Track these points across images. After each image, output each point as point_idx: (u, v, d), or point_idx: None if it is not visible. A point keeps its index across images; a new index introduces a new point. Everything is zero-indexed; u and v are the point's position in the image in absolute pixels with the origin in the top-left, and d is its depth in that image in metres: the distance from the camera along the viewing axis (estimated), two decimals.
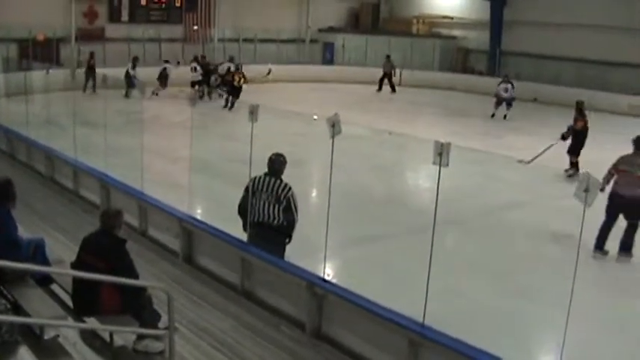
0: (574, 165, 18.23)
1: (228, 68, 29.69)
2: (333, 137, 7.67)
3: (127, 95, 28.16)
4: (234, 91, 27.76)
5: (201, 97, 29.27)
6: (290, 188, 8.89)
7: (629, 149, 12.59)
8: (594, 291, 10.35)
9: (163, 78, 30.47)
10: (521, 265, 11.79)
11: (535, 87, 35.47)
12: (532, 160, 18.19)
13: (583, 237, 6.27)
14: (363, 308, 7.21)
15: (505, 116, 29.28)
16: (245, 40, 37.54)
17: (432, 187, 6.75)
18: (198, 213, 12.41)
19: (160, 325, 6.99)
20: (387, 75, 36.44)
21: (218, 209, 10.65)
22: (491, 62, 40.18)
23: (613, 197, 11.71)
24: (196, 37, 37.24)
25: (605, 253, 12.04)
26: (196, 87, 29.75)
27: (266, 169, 9.03)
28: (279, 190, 8.85)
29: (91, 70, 29.66)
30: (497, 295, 10.41)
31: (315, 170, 17.49)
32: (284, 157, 9.13)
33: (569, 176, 17.74)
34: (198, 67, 30.28)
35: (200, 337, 7.74)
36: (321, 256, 8.28)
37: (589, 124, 18.62)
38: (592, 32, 34.74)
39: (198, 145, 16.80)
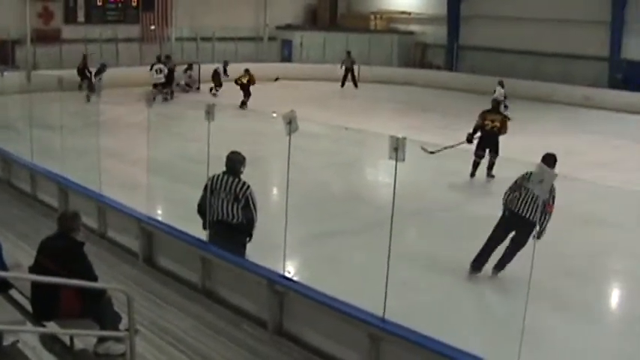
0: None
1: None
2: (289, 134, 7.69)
3: (88, 99, 27.84)
4: (246, 91, 28.79)
5: (165, 100, 29.20)
6: (248, 186, 8.89)
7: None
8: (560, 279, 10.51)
9: (217, 77, 31.79)
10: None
11: (493, 81, 35.68)
12: (437, 151, 18.01)
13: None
14: (323, 304, 7.24)
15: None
16: (203, 38, 37.25)
17: (390, 182, 6.78)
18: (158, 213, 12.39)
19: (121, 327, 6.97)
20: (349, 70, 36.54)
21: (177, 209, 10.65)
22: (448, 57, 40.48)
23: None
24: (154, 37, 36.97)
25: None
26: (159, 88, 29.41)
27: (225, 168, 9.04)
28: (238, 189, 8.85)
29: (82, 72, 29.63)
30: (457, 288, 10.49)
31: (274, 168, 17.48)
32: (242, 156, 9.13)
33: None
34: (164, 69, 30.04)
35: (161, 337, 7.71)
36: (282, 253, 8.30)
37: (491, 124, 17.24)
38: (548, 25, 35.14)
39: (157, 146, 16.70)
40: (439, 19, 40.73)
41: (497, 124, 17.18)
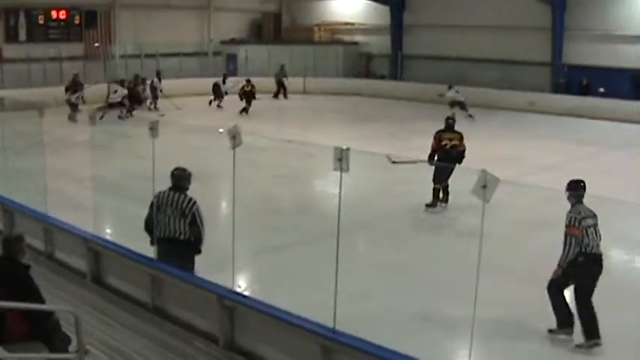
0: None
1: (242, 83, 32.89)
2: (234, 149, 7.69)
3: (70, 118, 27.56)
4: (248, 98, 31.22)
5: (120, 117, 28.85)
6: (195, 202, 8.87)
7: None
8: (500, 278, 10.64)
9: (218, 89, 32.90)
10: (432, 264, 12.01)
11: (437, 88, 36.04)
12: (399, 162, 17.20)
13: (488, 229, 6.40)
14: (273, 317, 7.23)
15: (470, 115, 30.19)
16: (147, 55, 37.12)
17: (338, 193, 6.82)
18: (105, 232, 12.27)
19: (71, 348, 6.88)
20: (281, 83, 37.06)
21: (125, 227, 10.57)
22: (393, 66, 40.75)
23: None
24: (98, 54, 36.68)
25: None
26: (115, 107, 29.07)
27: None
28: (184, 204, 8.82)
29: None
30: (406, 295, 10.54)
31: (221, 183, 17.40)
32: (187, 172, 9.10)
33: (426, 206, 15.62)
34: (120, 90, 29.61)
35: (113, 358, 7.64)
36: (231, 268, 8.29)
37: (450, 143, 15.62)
38: (491, 33, 35.74)
39: (103, 164, 16.64)
40: (383, 29, 41.08)
41: (457, 142, 15.60)
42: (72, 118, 27.47)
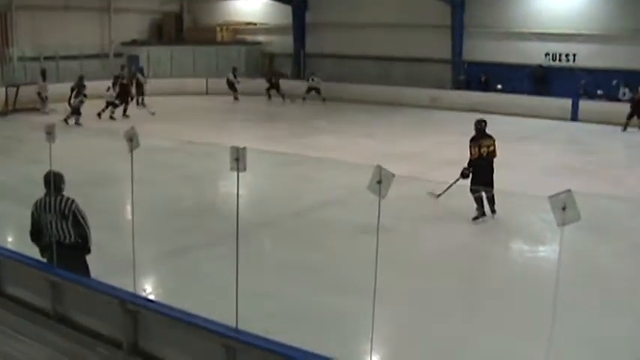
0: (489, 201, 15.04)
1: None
2: (131, 151, 7.61)
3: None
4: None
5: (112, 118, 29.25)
6: (72, 201, 8.73)
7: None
8: (405, 277, 10.81)
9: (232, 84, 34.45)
10: (335, 261, 12.13)
11: (341, 87, 36.37)
12: (442, 193, 15.59)
13: (388, 225, 6.48)
14: (176, 319, 7.18)
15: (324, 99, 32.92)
16: (46, 58, 36.35)
17: (243, 193, 6.83)
18: (3, 240, 12.00)
19: None
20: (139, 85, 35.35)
21: (22, 234, 10.32)
22: (295, 65, 40.89)
23: None
24: None
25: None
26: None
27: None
28: (62, 206, 8.68)
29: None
30: (310, 293, 10.61)
31: (122, 187, 17.17)
32: (59, 173, 8.92)
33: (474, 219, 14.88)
34: (113, 88, 30.07)
35: None
36: (133, 271, 8.20)
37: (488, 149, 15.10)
38: (393, 31, 36.24)
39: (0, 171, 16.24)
40: (285, 29, 41.18)
41: (493, 147, 15.13)
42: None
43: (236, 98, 35.95)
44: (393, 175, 5.67)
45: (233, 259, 6.62)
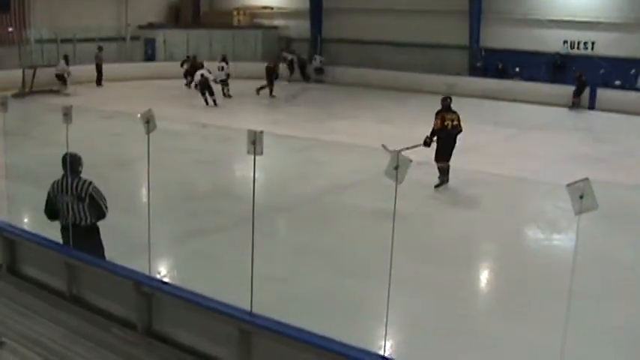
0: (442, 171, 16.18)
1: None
2: (148, 133, 7.60)
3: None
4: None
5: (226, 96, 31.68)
6: (90, 183, 8.73)
7: None
8: (419, 262, 10.82)
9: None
10: (350, 246, 12.14)
11: (357, 72, 36.32)
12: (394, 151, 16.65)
13: (402, 210, 6.46)
14: (190, 302, 7.19)
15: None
16: (63, 40, 36.41)
17: (258, 176, 6.83)
18: (20, 221, 12.05)
19: None
20: (99, 67, 35.75)
21: (39, 216, 10.37)
22: (312, 50, 40.76)
23: None
24: (12, 40, 35.78)
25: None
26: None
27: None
28: (79, 188, 8.70)
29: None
30: (325, 277, 10.62)
31: (139, 169, 17.20)
32: (77, 155, 8.94)
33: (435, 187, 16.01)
34: (225, 66, 31.93)
35: (30, 348, 7.50)
36: (148, 253, 8.23)
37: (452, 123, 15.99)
38: (409, 17, 36.03)
39: (16, 152, 16.29)
40: (302, 13, 41.11)
41: (456, 122, 15.96)
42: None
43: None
44: (411, 161, 5.65)
45: (248, 243, 6.62)
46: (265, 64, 33.66)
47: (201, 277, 9.62)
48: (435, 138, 15.90)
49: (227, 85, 31.99)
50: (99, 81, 35.20)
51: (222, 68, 32.36)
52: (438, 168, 15.94)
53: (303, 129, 22.83)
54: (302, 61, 39.47)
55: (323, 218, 13.92)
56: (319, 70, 38.52)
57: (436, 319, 9.35)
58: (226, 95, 31.78)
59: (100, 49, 35.64)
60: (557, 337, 5.70)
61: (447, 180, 16.02)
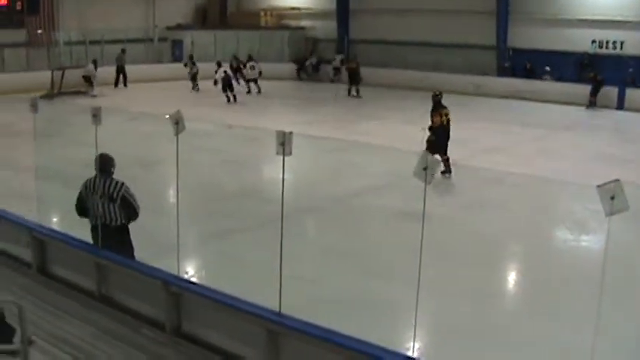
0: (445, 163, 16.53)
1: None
2: (177, 134, 7.65)
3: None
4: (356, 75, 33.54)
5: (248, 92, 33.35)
6: (122, 184, 8.76)
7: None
8: (447, 263, 10.78)
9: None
10: (377, 247, 12.11)
11: (384, 73, 36.26)
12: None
13: (429, 212, 6.44)
14: (219, 302, 7.21)
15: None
16: (92, 42, 36.65)
17: (286, 177, 6.84)
18: (50, 221, 12.15)
19: (15, 339, 6.80)
20: (121, 69, 35.76)
21: (69, 216, 10.44)
22: (339, 51, 40.73)
23: None
24: (41, 41, 36.06)
25: None
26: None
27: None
28: (112, 189, 8.73)
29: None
30: (353, 278, 10.61)
31: (167, 169, 17.34)
32: (110, 155, 8.99)
33: (442, 173, 16.25)
34: (256, 65, 33.69)
35: (59, 348, 7.55)
36: (177, 254, 8.27)
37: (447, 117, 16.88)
38: (436, 17, 35.94)
39: (46, 153, 16.42)
40: (329, 14, 41.10)
41: (449, 116, 16.98)
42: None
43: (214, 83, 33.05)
44: (439, 162, 5.64)
45: (276, 243, 6.63)
46: (346, 65, 34.69)
47: (229, 278, 9.63)
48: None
49: (257, 82, 33.24)
50: (117, 83, 35.25)
51: (253, 67, 33.20)
52: (443, 161, 16.20)
53: (332, 130, 22.83)
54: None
55: (350, 219, 13.90)
56: (337, 70, 38.48)
57: (464, 320, 9.31)
58: (258, 92, 33.37)
59: (123, 51, 35.73)
60: (587, 338, 5.67)
61: (450, 171, 16.43)
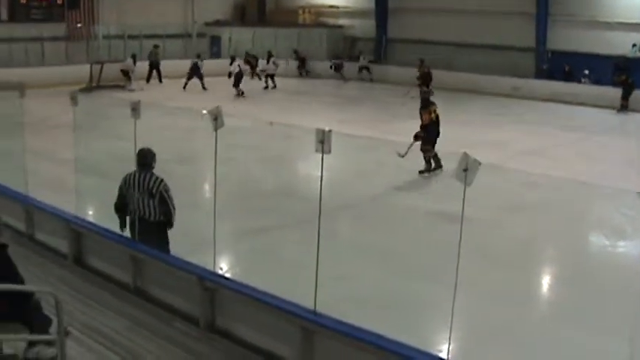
0: (427, 161, 17.03)
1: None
2: (216, 130, 7.66)
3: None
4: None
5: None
6: (162, 180, 8.81)
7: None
8: (483, 265, 10.72)
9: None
10: (413, 247, 12.07)
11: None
12: (405, 154, 17.03)
13: (472, 215, 6.41)
14: (254, 299, 7.22)
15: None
16: (130, 36, 36.86)
17: (323, 175, 6.84)
18: (87, 214, 12.23)
19: (51, 330, 6.85)
20: (154, 65, 35.31)
21: (106, 209, 10.51)
22: (377, 50, 40.66)
23: None
24: (80, 35, 36.37)
25: None
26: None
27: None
28: (151, 184, 8.76)
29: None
30: (389, 278, 10.57)
31: (204, 165, 17.41)
32: (151, 150, 9.03)
33: (420, 173, 16.90)
34: (277, 61, 35.01)
35: (94, 339, 7.61)
36: (212, 249, 8.29)
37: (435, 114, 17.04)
38: (475, 17, 35.74)
39: (86, 146, 16.53)
40: (367, 13, 41.02)
41: (438, 111, 17.22)
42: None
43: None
44: (480, 164, 5.60)
45: (310, 241, 6.63)
46: (420, 71, 33.72)
47: (264, 275, 9.63)
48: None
49: (273, 78, 34.42)
50: (149, 78, 34.98)
51: (275, 63, 34.15)
52: (433, 157, 16.92)
53: (368, 129, 22.78)
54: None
55: (386, 218, 13.87)
56: (367, 69, 38.80)
57: (499, 323, 9.25)
58: (273, 87, 34.49)
59: (156, 47, 35.76)
60: (623, 345, 5.62)
61: (441, 165, 16.72)
